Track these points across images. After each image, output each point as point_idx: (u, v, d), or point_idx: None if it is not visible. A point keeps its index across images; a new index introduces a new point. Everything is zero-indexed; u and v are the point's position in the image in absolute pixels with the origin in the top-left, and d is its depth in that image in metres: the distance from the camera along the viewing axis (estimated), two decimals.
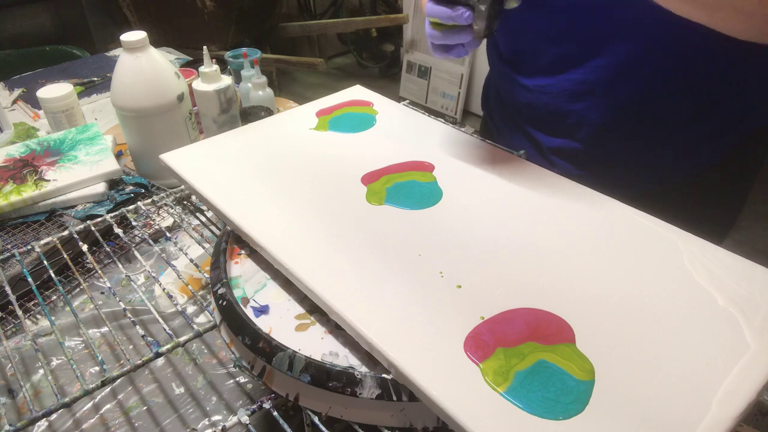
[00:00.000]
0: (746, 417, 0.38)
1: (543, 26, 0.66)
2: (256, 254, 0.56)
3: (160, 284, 0.60)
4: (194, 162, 0.64)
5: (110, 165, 0.88)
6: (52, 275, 0.60)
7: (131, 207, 0.69)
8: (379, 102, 0.77)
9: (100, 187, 0.86)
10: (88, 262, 0.76)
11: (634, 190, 0.63)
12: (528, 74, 0.72)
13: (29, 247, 0.63)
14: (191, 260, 0.61)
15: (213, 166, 0.63)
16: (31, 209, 0.83)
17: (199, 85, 0.92)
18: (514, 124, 0.79)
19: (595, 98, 0.67)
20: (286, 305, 0.50)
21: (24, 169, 0.87)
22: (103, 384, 0.47)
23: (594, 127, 0.69)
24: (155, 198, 0.71)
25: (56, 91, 0.98)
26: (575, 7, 0.62)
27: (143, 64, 0.83)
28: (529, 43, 0.70)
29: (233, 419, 0.45)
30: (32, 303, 0.71)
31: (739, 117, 0.66)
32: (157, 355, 0.49)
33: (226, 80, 0.93)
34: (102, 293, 0.73)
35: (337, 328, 0.47)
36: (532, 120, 0.76)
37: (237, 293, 0.51)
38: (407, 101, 0.80)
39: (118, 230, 0.65)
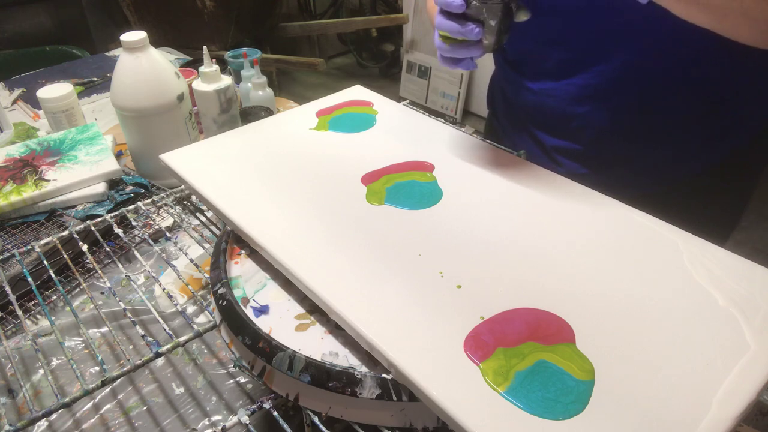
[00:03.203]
0: (746, 417, 0.38)
1: (547, 30, 0.66)
2: (256, 254, 0.56)
3: (160, 284, 0.60)
4: (194, 162, 0.64)
5: (110, 165, 0.88)
6: (52, 275, 0.60)
7: (131, 207, 0.70)
8: (379, 102, 0.77)
9: (100, 187, 0.86)
10: (88, 262, 0.76)
11: (636, 191, 0.63)
12: (532, 77, 0.72)
13: (29, 247, 0.63)
14: (191, 260, 0.61)
15: (213, 166, 0.63)
16: (31, 209, 0.83)
17: (199, 85, 0.92)
18: (519, 123, 0.80)
19: (599, 102, 0.67)
20: (286, 305, 0.50)
21: (24, 169, 0.87)
22: (103, 384, 0.48)
23: (598, 130, 0.69)
24: (155, 198, 0.71)
25: (56, 91, 0.98)
26: (577, 11, 0.62)
27: (143, 64, 0.83)
28: (534, 47, 0.70)
29: (233, 419, 0.45)
30: (32, 303, 0.71)
31: (740, 118, 0.67)
32: (157, 355, 0.49)
33: (226, 80, 0.93)
34: (102, 293, 0.73)
35: (337, 328, 0.47)
36: (537, 121, 0.76)
37: (237, 293, 0.51)
38: (407, 101, 0.80)
39: (118, 230, 0.65)
